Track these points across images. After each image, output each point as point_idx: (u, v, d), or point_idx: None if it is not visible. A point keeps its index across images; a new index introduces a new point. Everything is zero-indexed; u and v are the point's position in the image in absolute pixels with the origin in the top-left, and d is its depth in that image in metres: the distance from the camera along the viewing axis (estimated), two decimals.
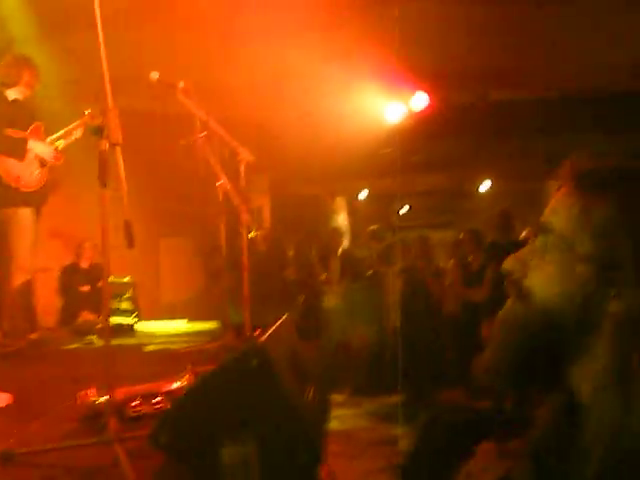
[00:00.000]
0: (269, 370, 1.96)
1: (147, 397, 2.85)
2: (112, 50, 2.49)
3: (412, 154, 8.49)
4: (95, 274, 7.70)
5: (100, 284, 7.61)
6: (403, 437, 6.12)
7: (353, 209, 10.53)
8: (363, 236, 8.56)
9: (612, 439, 0.85)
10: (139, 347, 5.24)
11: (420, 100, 7.40)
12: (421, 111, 7.54)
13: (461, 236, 7.26)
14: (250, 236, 4.06)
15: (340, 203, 10.53)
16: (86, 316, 7.25)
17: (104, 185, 2.40)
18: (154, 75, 3.95)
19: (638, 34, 7.71)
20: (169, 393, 2.90)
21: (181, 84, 4.02)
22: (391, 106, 7.53)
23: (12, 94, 4.94)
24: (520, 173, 9.34)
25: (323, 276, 8.08)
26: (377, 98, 7.37)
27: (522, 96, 7.87)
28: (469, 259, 6.93)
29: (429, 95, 7.44)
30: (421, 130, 7.69)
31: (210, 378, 2.04)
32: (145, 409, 2.80)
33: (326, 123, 7.20)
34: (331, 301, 7.92)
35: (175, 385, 2.96)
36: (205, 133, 4.32)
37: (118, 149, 2.40)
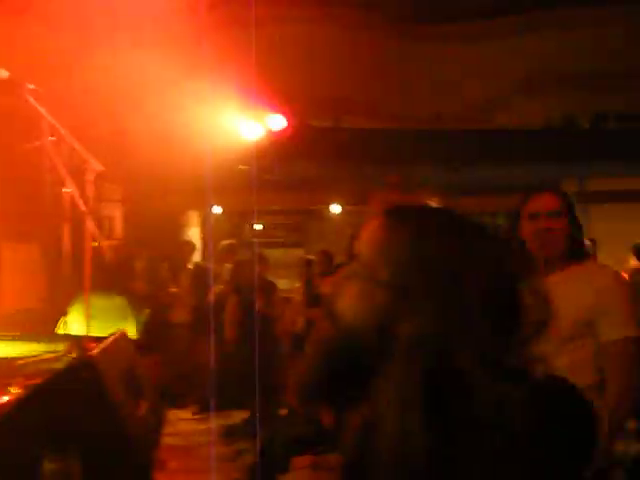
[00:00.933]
0: (97, 383, 1.96)
1: None
2: None
3: (268, 173, 8.62)
4: None
5: None
6: (245, 452, 6.18)
7: (206, 224, 10.51)
8: (216, 251, 8.55)
9: (395, 455, 0.94)
10: None
11: (277, 121, 7.56)
12: (278, 132, 7.69)
13: (312, 256, 7.46)
14: (93, 245, 3.97)
15: (193, 217, 10.47)
16: None
17: None
18: (2, 73, 3.79)
19: (489, 69, 8.31)
20: None
21: (31, 86, 3.88)
22: (248, 124, 7.62)
23: None
24: (367, 198, 9.67)
25: (173, 290, 8.00)
26: (235, 116, 7.45)
27: (374, 125, 8.22)
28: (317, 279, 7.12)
29: (286, 117, 7.61)
30: (277, 150, 7.85)
31: (37, 390, 2.01)
32: None
33: (183, 137, 7.18)
34: (180, 316, 7.86)
35: (3, 399, 2.87)
36: (54, 138, 4.19)
37: None
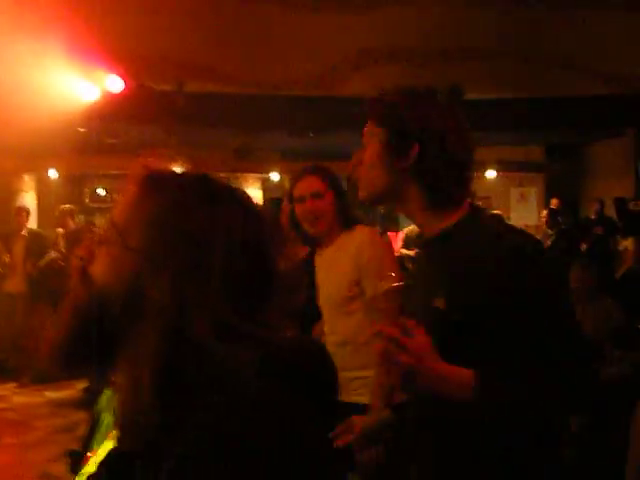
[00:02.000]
0: None
1: None
2: None
3: (107, 136, 8.35)
4: None
5: None
6: (82, 423, 6.08)
7: (43, 188, 10.02)
8: (52, 217, 8.21)
9: (127, 413, 0.99)
10: None
11: (115, 83, 7.30)
12: (117, 94, 7.44)
13: None
14: None
15: (29, 181, 9.95)
16: None
17: None
18: None
19: (333, 40, 8.44)
20: None
21: None
22: (85, 85, 7.31)
23: None
24: (210, 162, 9.61)
25: (6, 258, 7.63)
26: (70, 76, 7.12)
27: (219, 90, 8.14)
28: None
29: (125, 79, 7.37)
30: (117, 113, 7.60)
31: None
32: None
33: (15, 98, 6.79)
34: (15, 285, 7.53)
35: None
36: None
37: None
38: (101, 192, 11.29)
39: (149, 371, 0.95)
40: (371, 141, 1.80)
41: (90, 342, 0.99)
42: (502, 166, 11.84)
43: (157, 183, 1.07)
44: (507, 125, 9.16)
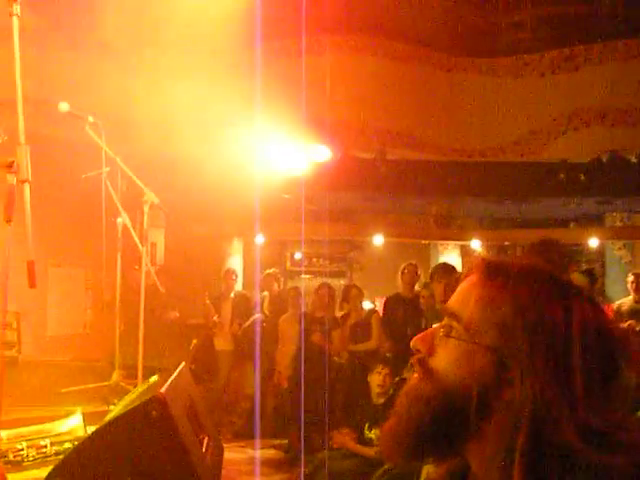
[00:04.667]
0: (169, 422, 1.96)
1: (32, 440, 2.75)
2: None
3: (310, 203, 8.66)
4: None
5: None
6: None
7: (249, 252, 10.56)
8: (258, 279, 8.58)
9: None
10: (21, 383, 5.02)
11: (322, 152, 7.60)
12: (322, 163, 7.73)
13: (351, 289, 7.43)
14: (141, 272, 4.02)
15: (236, 245, 10.53)
16: None
17: (9, 220, 2.35)
18: (63, 106, 3.87)
19: (535, 104, 8.28)
20: (56, 436, 2.81)
21: (90, 118, 3.97)
22: (294, 155, 7.68)
23: None
24: (411, 230, 9.70)
25: (216, 317, 8.03)
26: (281, 146, 7.50)
27: (419, 158, 8.22)
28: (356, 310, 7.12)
29: (331, 148, 7.65)
30: (321, 181, 7.88)
31: (108, 428, 2.01)
32: (30, 453, 2.71)
33: (229, 166, 7.26)
34: (222, 343, 7.88)
35: (63, 428, 2.88)
36: (108, 169, 4.27)
37: (26, 186, 2.37)
38: (299, 256, 11.72)
39: (518, 474, 0.90)
40: None
41: (436, 433, 0.99)
42: None
43: (503, 275, 1.02)
44: None
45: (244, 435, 7.41)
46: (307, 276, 11.59)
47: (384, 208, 8.47)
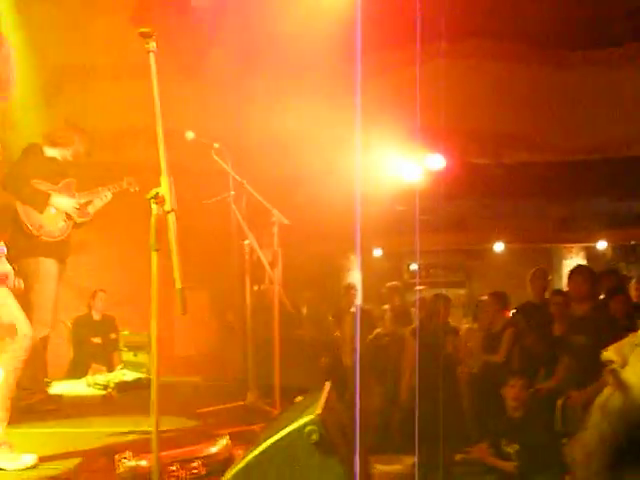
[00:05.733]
0: (329, 445, 1.94)
1: (185, 462, 2.82)
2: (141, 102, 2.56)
3: (427, 213, 8.53)
4: (107, 326, 7.64)
5: (112, 336, 7.57)
6: None
7: (367, 266, 10.54)
8: (378, 293, 8.54)
9: None
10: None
11: (436, 160, 7.49)
12: (437, 171, 7.62)
13: (484, 298, 7.20)
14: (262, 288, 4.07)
15: (353, 260, 10.54)
16: (96, 369, 7.17)
17: (157, 249, 2.41)
18: (189, 135, 4.00)
19: None
20: (207, 458, 2.87)
21: (216, 145, 4.08)
22: (407, 165, 7.61)
23: (51, 152, 5.00)
24: (532, 235, 9.39)
25: (337, 333, 8.03)
26: (393, 157, 7.46)
27: (536, 160, 7.96)
28: (490, 321, 6.88)
29: (445, 156, 7.53)
30: (436, 190, 7.75)
31: (268, 451, 2.02)
32: (183, 474, 2.77)
33: (341, 180, 7.28)
34: (345, 360, 7.85)
35: (212, 449, 2.93)
36: (233, 193, 4.36)
37: (172, 215, 2.43)
38: (415, 268, 11.60)
39: None
40: None
41: (629, 445, 0.96)
42: None
43: None
44: None
45: (372, 450, 7.33)
46: (421, 287, 11.45)
47: (502, 214, 8.23)
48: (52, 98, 6.95)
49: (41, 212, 4.89)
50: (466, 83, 6.97)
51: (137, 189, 5.06)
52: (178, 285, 2.40)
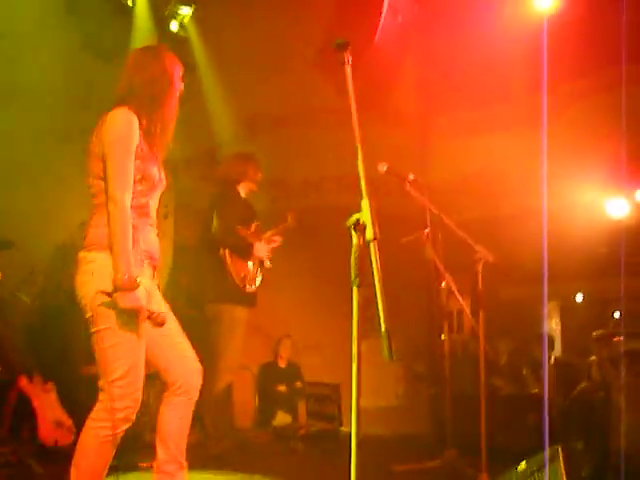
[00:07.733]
0: None
1: None
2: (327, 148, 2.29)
3: (633, 254, 7.70)
4: (292, 373, 7.54)
5: (298, 384, 7.43)
6: None
7: (566, 314, 9.74)
8: (579, 343, 7.79)
9: None
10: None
11: None
12: None
13: None
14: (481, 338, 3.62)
15: (552, 307, 9.78)
16: (282, 417, 7.07)
17: (359, 284, 2.08)
18: (382, 167, 3.74)
19: None
20: None
21: (411, 176, 3.77)
22: (613, 201, 6.89)
23: (241, 191, 4.97)
24: None
25: (535, 389, 7.40)
26: (598, 192, 6.81)
27: None
28: None
29: None
30: None
31: None
32: None
33: (539, 220, 6.72)
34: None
35: None
36: (428, 230, 4.03)
37: (374, 244, 2.09)
38: (618, 316, 10.53)
39: None
40: None
41: None
42: None
43: None
44: None
45: None
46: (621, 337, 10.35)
47: None
48: (244, 145, 7.11)
49: (246, 262, 4.85)
50: None
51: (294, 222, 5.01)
52: (383, 327, 2.04)
